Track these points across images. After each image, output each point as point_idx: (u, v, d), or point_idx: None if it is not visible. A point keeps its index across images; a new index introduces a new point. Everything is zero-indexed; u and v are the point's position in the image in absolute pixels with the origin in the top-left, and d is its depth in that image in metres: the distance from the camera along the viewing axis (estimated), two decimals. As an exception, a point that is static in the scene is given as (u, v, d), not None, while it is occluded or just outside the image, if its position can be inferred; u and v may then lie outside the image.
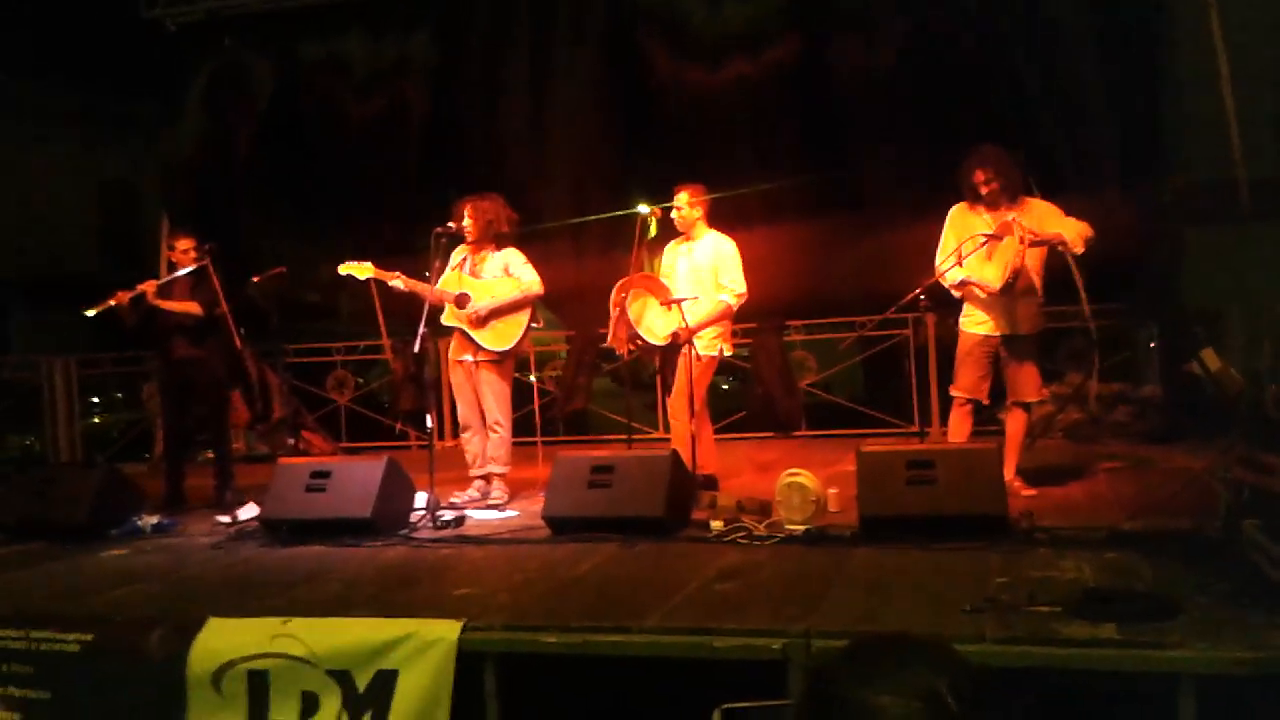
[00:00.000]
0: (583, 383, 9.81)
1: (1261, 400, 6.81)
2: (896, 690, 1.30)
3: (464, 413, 6.71)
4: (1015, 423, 6.04)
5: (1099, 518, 5.13)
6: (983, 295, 5.83)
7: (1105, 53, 8.11)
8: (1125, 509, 5.31)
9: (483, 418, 6.63)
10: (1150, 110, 8.04)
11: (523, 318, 6.51)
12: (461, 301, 6.47)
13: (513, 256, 6.59)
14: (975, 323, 5.95)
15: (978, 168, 5.88)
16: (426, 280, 6.47)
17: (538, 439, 7.65)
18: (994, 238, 5.76)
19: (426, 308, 6.35)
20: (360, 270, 6.51)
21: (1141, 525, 4.81)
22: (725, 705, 3.16)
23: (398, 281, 6.46)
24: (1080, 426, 8.12)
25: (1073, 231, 5.69)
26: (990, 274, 5.77)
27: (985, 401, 6.08)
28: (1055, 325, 8.54)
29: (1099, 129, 8.17)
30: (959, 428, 6.04)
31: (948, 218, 6.06)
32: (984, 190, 5.88)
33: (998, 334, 5.90)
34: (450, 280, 6.55)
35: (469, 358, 6.55)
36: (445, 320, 6.53)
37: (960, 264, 5.81)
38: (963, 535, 4.73)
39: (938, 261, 5.98)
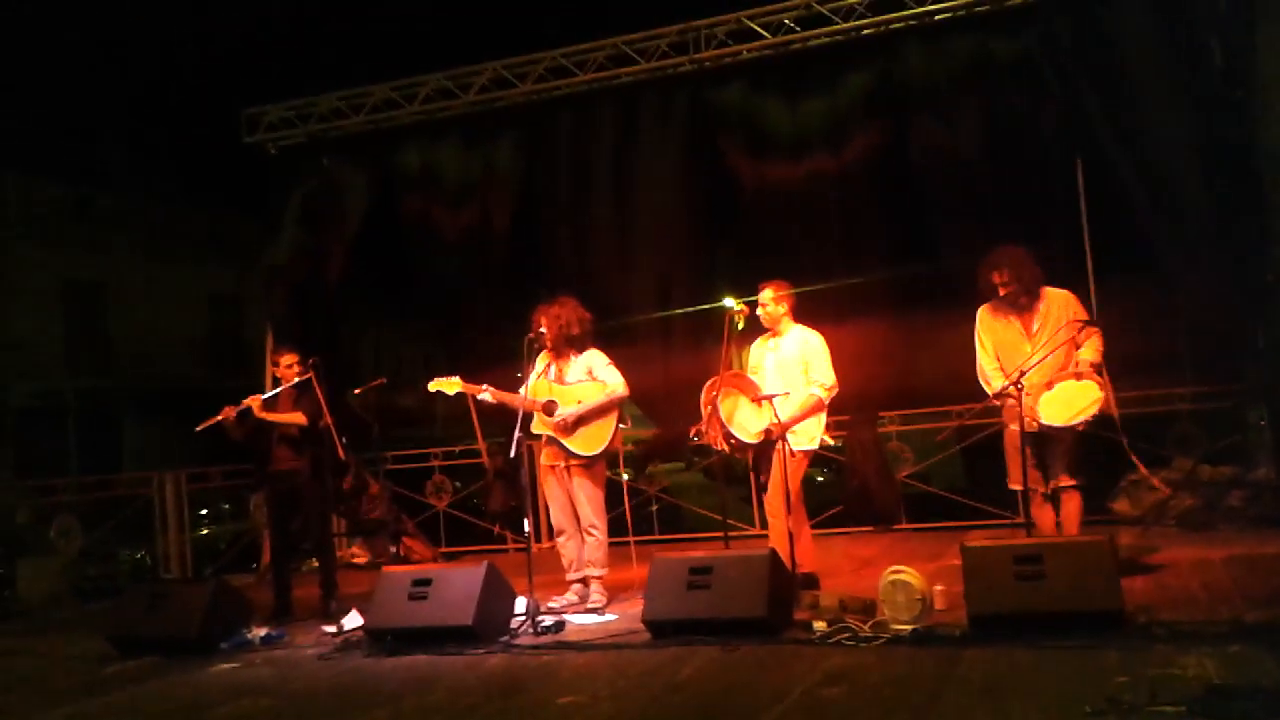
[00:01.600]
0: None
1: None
2: None
3: (558, 517, 6.75)
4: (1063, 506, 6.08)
5: (1220, 610, 4.95)
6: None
7: (1197, 129, 8.01)
8: (1246, 599, 5.10)
9: (577, 522, 6.66)
10: (1250, 188, 7.89)
11: (611, 421, 6.56)
12: (549, 409, 6.55)
13: (595, 359, 6.67)
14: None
15: (994, 270, 6.14)
16: (519, 385, 6.57)
17: (630, 538, 7.65)
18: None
19: (521, 411, 6.44)
20: (449, 386, 6.63)
21: (1265, 616, 4.62)
22: None
23: (486, 395, 6.57)
24: (1193, 513, 7.84)
25: (1091, 352, 5.91)
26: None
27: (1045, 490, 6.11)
28: (1161, 409, 8.38)
29: (1198, 209, 8.04)
30: (1039, 517, 6.09)
31: (977, 321, 6.28)
32: (1002, 292, 6.15)
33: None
34: (538, 388, 6.63)
35: (560, 464, 6.61)
36: (535, 429, 6.61)
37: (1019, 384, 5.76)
38: (1078, 632, 4.58)
39: (980, 364, 6.22)
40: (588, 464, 6.55)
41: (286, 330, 10.31)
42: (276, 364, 7.38)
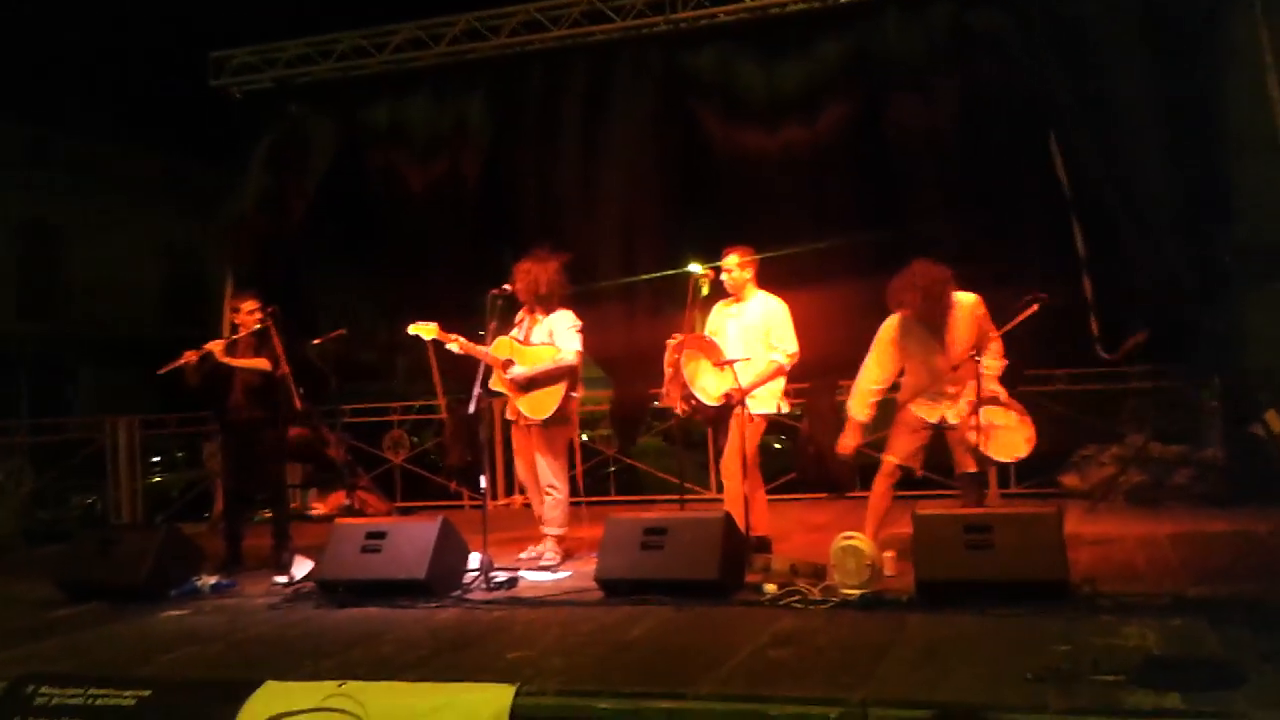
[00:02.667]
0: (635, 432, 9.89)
1: (1328, 464, 6.69)
2: None
3: (522, 473, 6.83)
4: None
5: (1162, 583, 5.04)
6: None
7: (1163, 114, 8.07)
8: (1189, 574, 5.20)
9: (538, 480, 6.68)
10: (1209, 171, 7.97)
11: (560, 388, 6.53)
12: (507, 366, 6.55)
13: (559, 321, 6.65)
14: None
15: (911, 290, 6.01)
16: (482, 341, 6.55)
17: (582, 499, 7.67)
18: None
19: (483, 367, 6.43)
20: (426, 331, 6.62)
21: (1206, 591, 4.71)
22: None
23: (455, 345, 6.56)
24: (1142, 489, 7.97)
25: (993, 358, 6.02)
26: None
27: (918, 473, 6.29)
28: (1116, 387, 8.50)
29: (1157, 190, 8.11)
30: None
31: (887, 328, 6.22)
32: (918, 315, 6.06)
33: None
34: (502, 345, 6.62)
35: (523, 422, 6.63)
36: (493, 385, 6.61)
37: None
38: (1023, 601, 4.65)
39: (864, 377, 6.28)
40: (544, 426, 6.55)
41: (246, 279, 10.19)
42: (237, 310, 7.29)
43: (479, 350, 6.51)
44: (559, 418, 6.54)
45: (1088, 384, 8.65)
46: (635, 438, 10.08)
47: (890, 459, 6.20)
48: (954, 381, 5.99)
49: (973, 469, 6.05)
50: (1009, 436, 5.94)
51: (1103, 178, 8.21)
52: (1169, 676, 3.52)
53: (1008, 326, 6.18)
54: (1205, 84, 7.99)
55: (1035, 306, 6.16)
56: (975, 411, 5.81)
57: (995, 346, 6.04)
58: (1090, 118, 8.25)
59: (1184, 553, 5.89)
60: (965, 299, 6.04)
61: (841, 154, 9.09)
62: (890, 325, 6.16)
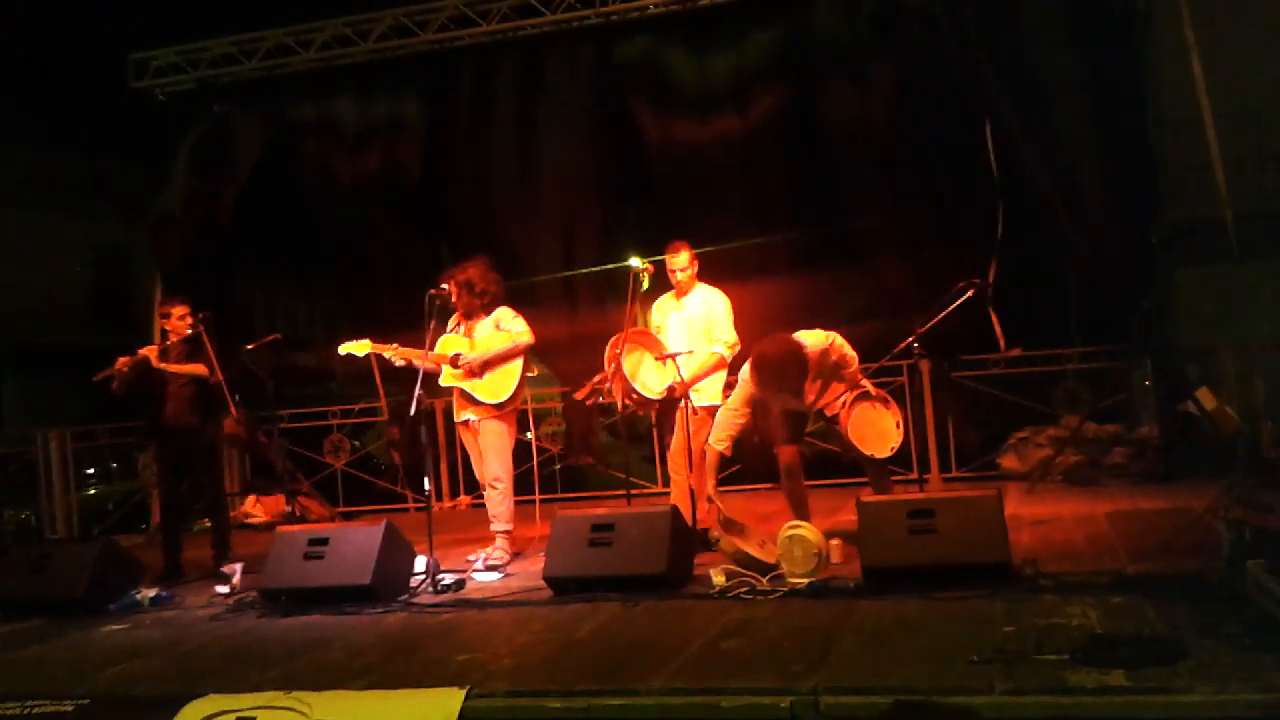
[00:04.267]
0: (593, 438, 9.81)
1: (1258, 439, 6.85)
2: None
3: (479, 471, 6.74)
4: None
5: (1103, 562, 5.11)
6: None
7: (1093, 99, 8.20)
8: (1129, 552, 5.29)
9: None
10: (1138, 154, 8.12)
11: (516, 367, 6.51)
12: (455, 362, 6.49)
13: (502, 313, 6.62)
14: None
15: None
16: (423, 341, 6.48)
17: (536, 496, 7.64)
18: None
19: (422, 368, 6.36)
20: (359, 348, 6.51)
21: (1145, 568, 4.79)
22: None
23: (391, 352, 6.47)
24: (1078, 469, 8.11)
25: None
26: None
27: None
28: (1050, 369, 8.64)
29: (1088, 173, 8.25)
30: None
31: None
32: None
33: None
34: (448, 343, 6.57)
35: (470, 416, 6.56)
36: (444, 382, 6.54)
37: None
38: (966, 583, 4.70)
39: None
40: (495, 414, 6.50)
41: (177, 283, 10.00)
42: (167, 315, 7.14)
43: (419, 354, 6.43)
44: (514, 399, 6.50)
45: (1022, 367, 8.78)
46: (593, 439, 9.98)
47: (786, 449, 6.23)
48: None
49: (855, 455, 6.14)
50: (873, 425, 6.02)
51: (1035, 160, 8.32)
52: (1112, 654, 3.57)
53: (943, 313, 6.25)
54: (1133, 66, 8.13)
55: (970, 293, 6.23)
56: (847, 407, 5.94)
57: (851, 362, 6.06)
58: (1021, 101, 8.37)
59: (1122, 531, 5.99)
60: (814, 349, 5.99)
61: (776, 143, 9.14)
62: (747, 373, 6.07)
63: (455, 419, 6.74)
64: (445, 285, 6.56)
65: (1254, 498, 4.20)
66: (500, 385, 6.48)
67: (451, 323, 6.71)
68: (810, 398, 5.99)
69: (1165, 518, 6.20)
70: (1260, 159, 7.79)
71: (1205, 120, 7.55)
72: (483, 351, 6.50)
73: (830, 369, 5.98)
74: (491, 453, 6.55)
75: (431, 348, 6.48)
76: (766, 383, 5.84)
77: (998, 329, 8.17)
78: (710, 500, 5.98)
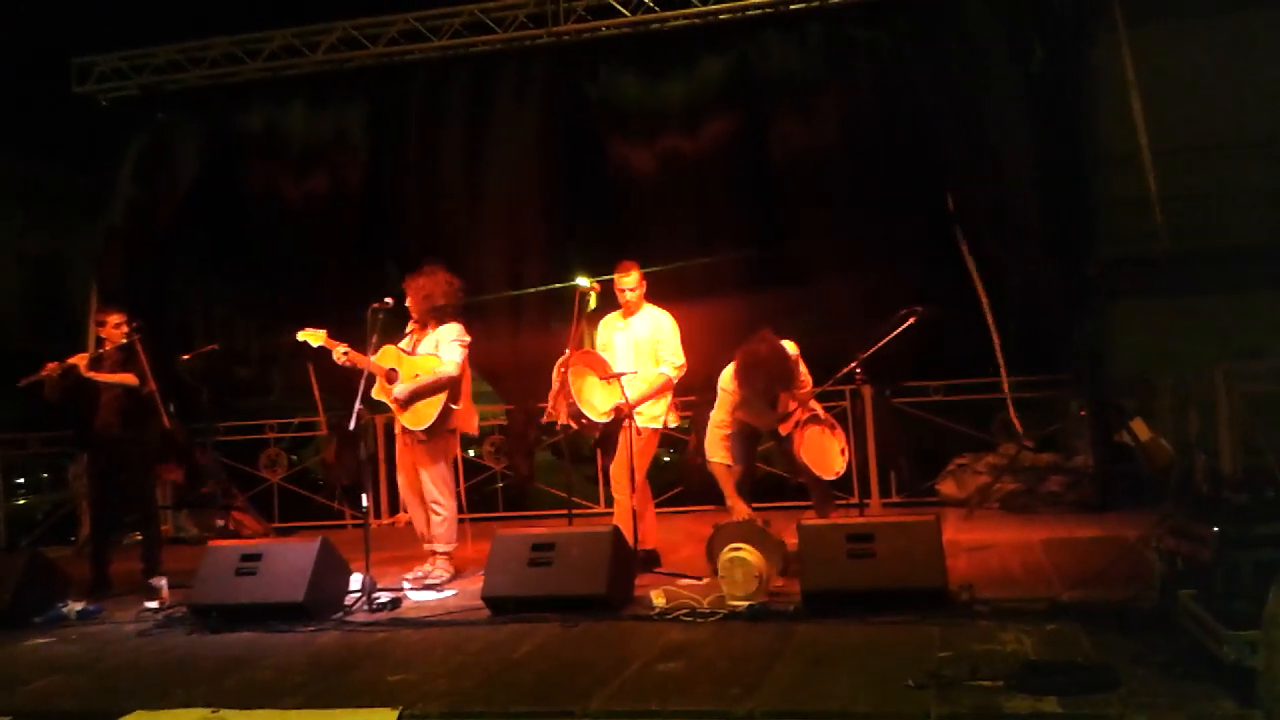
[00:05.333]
0: (530, 455, 9.76)
1: (1191, 470, 6.98)
2: None
3: (404, 489, 6.67)
4: None
5: (1038, 589, 5.17)
6: None
7: (1032, 133, 8.36)
8: (1063, 580, 5.35)
9: (421, 496, 6.55)
10: (1076, 188, 8.28)
11: (439, 399, 6.41)
12: (391, 377, 6.42)
13: (444, 333, 6.54)
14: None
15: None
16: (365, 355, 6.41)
17: (466, 515, 7.54)
18: None
19: (364, 382, 6.29)
20: (314, 338, 6.49)
21: (1079, 596, 4.85)
22: None
23: (340, 350, 6.41)
24: (1015, 496, 8.20)
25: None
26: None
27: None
28: (987, 396, 8.75)
29: (1028, 207, 8.39)
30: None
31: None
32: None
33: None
34: (388, 354, 6.48)
35: (408, 436, 6.50)
36: (375, 394, 6.46)
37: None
38: (904, 608, 4.73)
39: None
40: (427, 441, 6.44)
41: (114, 292, 9.80)
42: (102, 324, 7.00)
43: (364, 360, 6.37)
44: (439, 427, 6.43)
45: (962, 394, 8.89)
46: (530, 457, 9.90)
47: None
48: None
49: (804, 478, 6.21)
50: (822, 448, 6.09)
51: (975, 192, 8.46)
52: (1046, 681, 3.60)
53: (886, 339, 6.31)
54: (1072, 102, 8.29)
55: (912, 319, 6.30)
56: (800, 428, 6.03)
57: (806, 384, 6.15)
58: (962, 134, 8.50)
59: (1057, 558, 6.06)
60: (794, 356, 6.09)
61: (725, 168, 9.20)
62: (729, 381, 6.15)
63: (396, 429, 6.67)
64: (406, 289, 6.52)
65: (1186, 528, 4.26)
66: (422, 415, 6.41)
67: (408, 327, 6.64)
68: (783, 414, 5.99)
69: (1099, 546, 6.28)
70: (1194, 196, 7.97)
71: (1143, 156, 7.72)
72: (407, 386, 6.42)
73: (795, 384, 6.01)
74: (427, 476, 6.49)
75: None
76: (754, 383, 5.85)
77: (999, 355, 8.28)
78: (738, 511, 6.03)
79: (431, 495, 6.50)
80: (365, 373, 6.33)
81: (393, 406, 6.46)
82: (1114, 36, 8.03)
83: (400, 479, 6.67)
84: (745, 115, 9.19)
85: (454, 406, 6.48)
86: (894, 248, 8.71)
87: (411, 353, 6.53)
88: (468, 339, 6.57)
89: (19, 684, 4.63)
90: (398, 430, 6.64)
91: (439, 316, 6.56)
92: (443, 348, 6.48)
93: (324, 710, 3.87)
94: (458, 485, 6.79)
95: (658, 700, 3.74)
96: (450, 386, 6.43)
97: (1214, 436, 7.43)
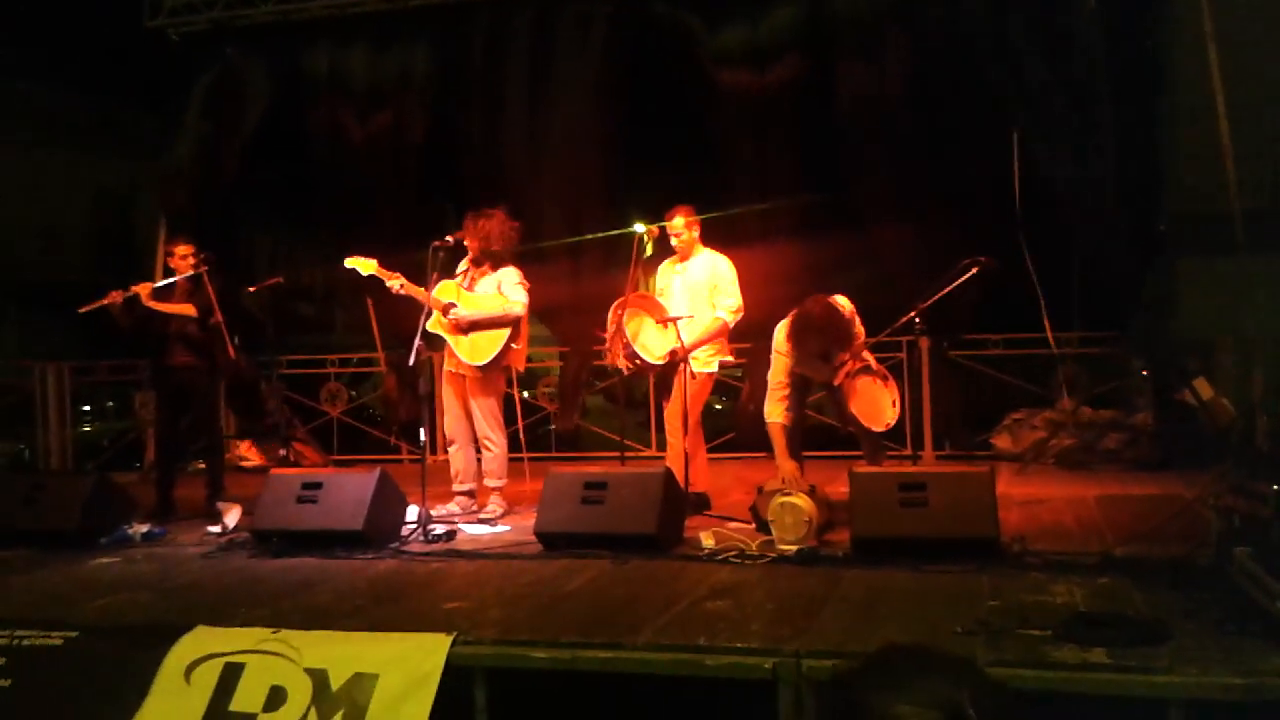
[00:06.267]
0: (579, 401, 9.82)
1: (1253, 430, 6.87)
2: (917, 699, 1.29)
3: (451, 425, 6.70)
4: None
5: (1090, 543, 5.14)
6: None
7: (1106, 86, 8.16)
8: (1117, 535, 5.31)
9: (471, 433, 6.62)
10: (1149, 142, 8.10)
11: (501, 335, 6.46)
12: (448, 310, 6.48)
13: (507, 275, 6.58)
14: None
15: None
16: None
17: (524, 455, 7.64)
18: None
19: (423, 320, 6.36)
20: (364, 266, 6.55)
21: (1133, 551, 4.82)
22: None
23: (396, 282, 6.47)
24: (1072, 452, 8.13)
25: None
26: None
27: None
28: (1046, 351, 8.64)
29: (1099, 160, 8.22)
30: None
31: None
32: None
33: None
34: (446, 289, 6.54)
35: (459, 371, 6.56)
36: (430, 326, 6.49)
37: None
38: (954, 557, 4.73)
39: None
40: (480, 375, 6.50)
41: (181, 228, 9.96)
42: (171, 254, 7.14)
43: (419, 291, 6.44)
44: (495, 363, 6.49)
45: (1022, 349, 8.79)
46: (578, 401, 9.95)
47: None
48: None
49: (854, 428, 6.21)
50: (873, 399, 6.07)
51: (1046, 146, 8.30)
52: (1095, 632, 3.59)
53: (946, 289, 6.26)
54: (1151, 52, 8.08)
55: (975, 270, 6.23)
56: (851, 379, 6.03)
57: (860, 335, 6.12)
58: (1035, 86, 8.32)
59: (1111, 514, 6.02)
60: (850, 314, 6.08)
61: (789, 114, 9.10)
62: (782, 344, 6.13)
63: (444, 368, 6.73)
64: (465, 228, 6.55)
65: (1245, 486, 4.21)
66: (482, 348, 6.46)
67: (460, 266, 6.68)
68: (838, 366, 5.99)
69: (1155, 504, 6.22)
70: (1269, 154, 7.74)
71: (1219, 111, 7.51)
72: (473, 311, 6.47)
73: (850, 339, 5.99)
74: (480, 412, 6.56)
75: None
76: (806, 345, 5.86)
77: (1049, 330, 8.20)
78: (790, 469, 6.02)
79: (483, 430, 6.57)
80: (425, 308, 6.40)
81: (450, 334, 6.47)
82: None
83: (449, 417, 6.69)
84: (812, 60, 9.07)
85: (514, 346, 6.55)
86: (959, 199, 8.59)
87: (469, 290, 6.59)
88: (528, 284, 6.61)
89: (85, 600, 4.79)
90: (447, 367, 6.66)
91: (495, 260, 6.60)
92: (507, 288, 6.53)
93: (380, 633, 3.97)
94: (512, 425, 6.85)
95: (706, 636, 3.79)
96: (514, 325, 6.49)
97: (1278, 397, 7.29)
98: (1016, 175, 8.42)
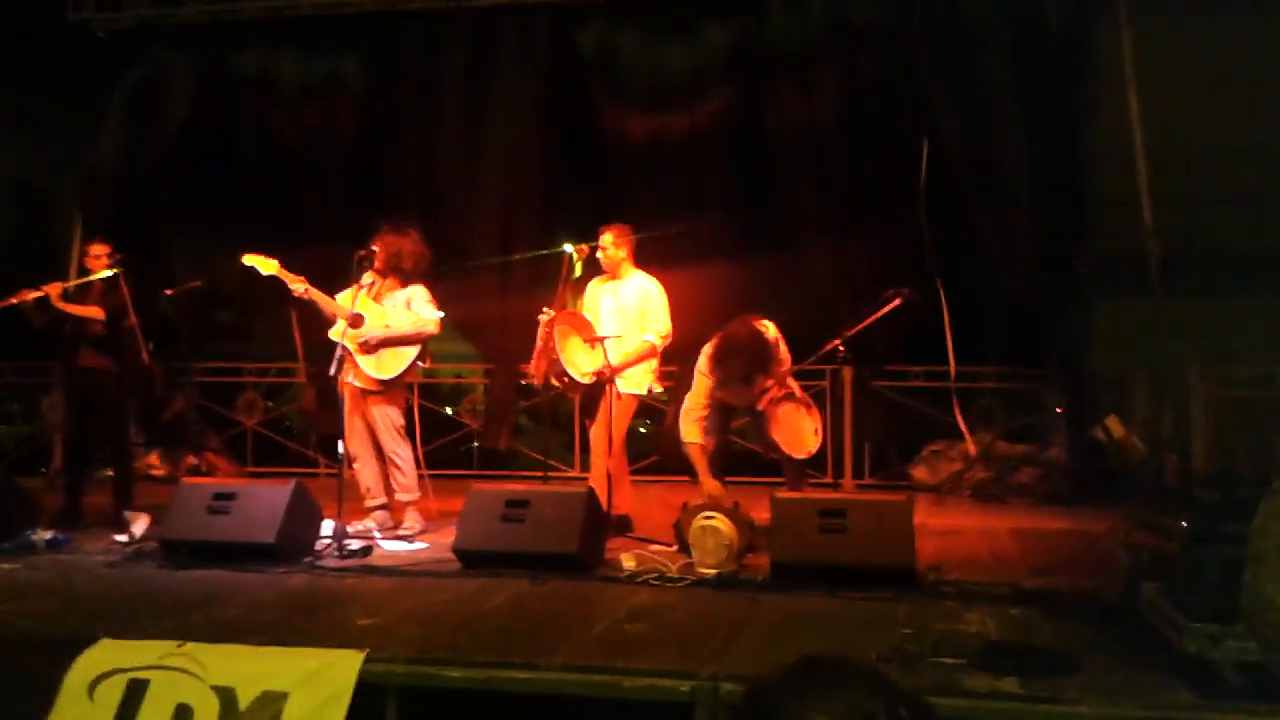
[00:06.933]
0: (511, 420, 9.73)
1: (1162, 468, 7.06)
2: (832, 711, 1.29)
3: (352, 442, 6.49)
4: None
5: (1004, 574, 5.22)
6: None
7: (1030, 124, 8.36)
8: (1029, 567, 5.41)
9: (374, 447, 6.52)
10: (1070, 182, 8.31)
11: (410, 352, 6.39)
12: (355, 322, 6.35)
13: (417, 293, 6.52)
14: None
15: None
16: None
17: (423, 471, 7.52)
18: None
19: (338, 329, 6.27)
20: (265, 265, 6.36)
21: (1044, 584, 4.91)
22: None
23: (300, 285, 6.33)
24: (986, 485, 8.27)
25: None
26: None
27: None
28: (965, 385, 8.80)
29: (1019, 198, 8.41)
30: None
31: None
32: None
33: None
34: (350, 298, 6.43)
35: (354, 381, 6.43)
36: (333, 335, 6.35)
37: None
38: (872, 584, 4.78)
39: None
40: (383, 389, 6.40)
41: (99, 228, 9.68)
42: (86, 253, 6.97)
43: (325, 299, 6.34)
44: (400, 379, 6.42)
45: (942, 381, 8.92)
46: (509, 424, 9.84)
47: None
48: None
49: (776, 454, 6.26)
50: (795, 427, 6.14)
51: (969, 181, 8.47)
52: (1006, 662, 3.65)
53: (870, 319, 6.34)
54: (1072, 94, 8.30)
55: (898, 301, 6.34)
56: (774, 405, 6.10)
57: (785, 362, 6.20)
58: (960, 120, 8.51)
59: (1024, 546, 6.13)
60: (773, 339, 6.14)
61: (720, 139, 9.17)
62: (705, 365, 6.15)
63: (342, 378, 6.40)
64: (374, 244, 6.46)
65: (1154, 522, 4.32)
66: (389, 364, 6.38)
67: (366, 278, 6.56)
68: (760, 392, 6.01)
69: (1067, 538, 6.35)
70: (1183, 198, 8.00)
71: (1138, 154, 7.74)
72: (386, 331, 6.38)
73: (774, 364, 6.03)
74: (383, 428, 6.46)
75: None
76: (730, 367, 5.86)
77: (950, 354, 8.33)
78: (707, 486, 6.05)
79: (390, 446, 6.47)
80: (330, 302, 6.28)
81: (357, 350, 6.34)
82: (1116, 28, 8.02)
83: (348, 432, 6.48)
84: (744, 86, 9.17)
85: (421, 364, 6.48)
86: (884, 230, 8.72)
87: (376, 301, 6.49)
88: (436, 302, 6.56)
89: (-13, 607, 4.63)
90: (345, 376, 6.40)
91: (404, 278, 6.53)
92: (418, 305, 6.47)
93: (290, 648, 3.88)
94: (414, 441, 6.73)
95: (623, 658, 3.77)
96: (424, 343, 6.43)
97: (1187, 437, 7.50)
98: (923, 187, 8.59)
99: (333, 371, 6.12)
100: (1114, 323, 8.24)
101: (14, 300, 6.57)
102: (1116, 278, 8.11)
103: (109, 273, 6.81)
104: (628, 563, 5.30)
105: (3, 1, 10.29)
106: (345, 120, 9.95)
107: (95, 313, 6.74)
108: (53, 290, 6.70)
